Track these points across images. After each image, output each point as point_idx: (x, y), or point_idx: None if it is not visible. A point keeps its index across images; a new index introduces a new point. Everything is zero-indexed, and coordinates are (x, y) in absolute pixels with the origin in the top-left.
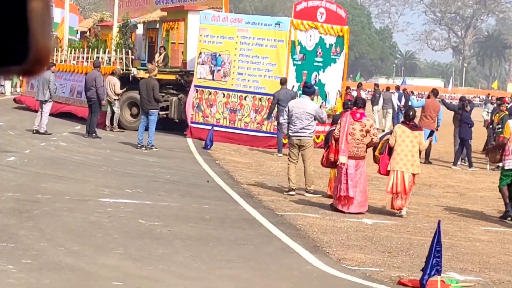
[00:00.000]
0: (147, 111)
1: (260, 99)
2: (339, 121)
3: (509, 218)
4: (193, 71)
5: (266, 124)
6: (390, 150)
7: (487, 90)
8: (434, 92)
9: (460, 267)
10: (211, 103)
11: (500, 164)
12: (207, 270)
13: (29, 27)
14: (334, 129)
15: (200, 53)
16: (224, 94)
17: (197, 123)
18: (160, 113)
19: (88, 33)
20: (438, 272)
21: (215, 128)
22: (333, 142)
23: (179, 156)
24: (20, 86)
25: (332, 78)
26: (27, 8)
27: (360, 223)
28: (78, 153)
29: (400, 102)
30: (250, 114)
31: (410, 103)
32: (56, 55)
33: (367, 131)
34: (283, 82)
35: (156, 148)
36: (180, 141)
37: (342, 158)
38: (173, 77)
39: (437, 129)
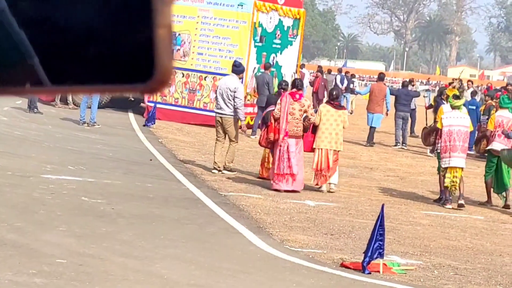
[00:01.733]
0: None
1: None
2: (278, 101)
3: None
4: None
5: None
6: (314, 128)
7: (427, 75)
8: (381, 76)
9: (402, 250)
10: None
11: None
12: (151, 249)
13: (156, 51)
14: (273, 109)
15: None
16: (183, 74)
17: (155, 102)
18: None
19: None
20: (381, 255)
21: (173, 107)
22: (273, 121)
23: (121, 133)
24: None
25: (289, 60)
26: (155, 35)
27: (303, 204)
28: (20, 128)
29: (342, 85)
30: (210, 94)
31: (353, 86)
32: None
33: (305, 111)
34: (268, 67)
35: (98, 125)
36: (123, 118)
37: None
38: None
39: (387, 114)
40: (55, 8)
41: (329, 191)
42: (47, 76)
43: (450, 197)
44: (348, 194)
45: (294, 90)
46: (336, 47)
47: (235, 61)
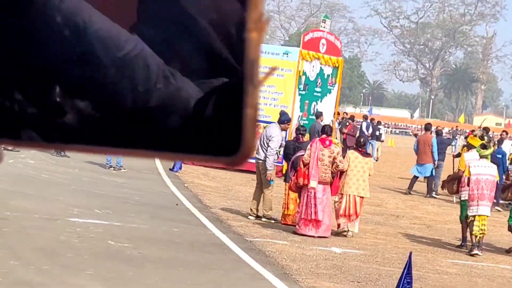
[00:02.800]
0: None
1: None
2: (308, 146)
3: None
4: None
5: None
6: (341, 173)
7: (453, 123)
8: (427, 126)
9: None
10: None
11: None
12: None
13: (243, 128)
14: (303, 155)
15: None
16: None
17: None
18: None
19: None
20: None
21: None
22: (302, 167)
23: (148, 177)
24: None
25: (327, 108)
26: (244, 114)
27: (329, 251)
28: (47, 171)
29: (368, 131)
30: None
31: (378, 133)
32: None
33: (334, 158)
34: (318, 115)
35: (124, 169)
36: (149, 162)
37: (313, 183)
38: None
39: (434, 163)
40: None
41: (344, 235)
42: (137, 139)
43: (477, 244)
44: (374, 241)
45: (324, 136)
46: (362, 94)
47: (281, 111)
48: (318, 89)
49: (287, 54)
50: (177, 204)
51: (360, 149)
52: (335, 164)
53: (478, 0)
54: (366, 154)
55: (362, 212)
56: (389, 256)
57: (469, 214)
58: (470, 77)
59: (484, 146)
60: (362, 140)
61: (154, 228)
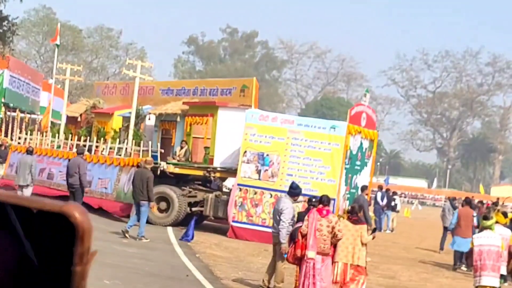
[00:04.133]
0: (138, 202)
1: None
2: (306, 217)
3: None
4: (221, 167)
5: None
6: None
7: (470, 193)
8: (467, 200)
9: None
10: (256, 202)
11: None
12: None
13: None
14: (301, 226)
15: (245, 151)
16: (271, 195)
17: (240, 222)
18: (194, 208)
19: (79, 118)
20: None
21: (259, 228)
22: (300, 238)
23: (159, 247)
24: None
25: (363, 181)
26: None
27: None
28: None
29: (383, 202)
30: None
31: (394, 203)
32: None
33: (333, 228)
34: (363, 189)
35: (146, 239)
36: (160, 232)
37: (311, 253)
38: (200, 172)
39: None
40: None
41: None
42: None
43: None
44: None
45: (321, 206)
46: (378, 163)
47: (292, 183)
48: (358, 163)
49: (334, 128)
50: (187, 275)
51: (350, 217)
52: (334, 233)
53: (495, 71)
54: (356, 222)
55: (374, 285)
56: None
57: (474, 285)
58: (488, 147)
59: (485, 217)
60: (352, 208)
61: None
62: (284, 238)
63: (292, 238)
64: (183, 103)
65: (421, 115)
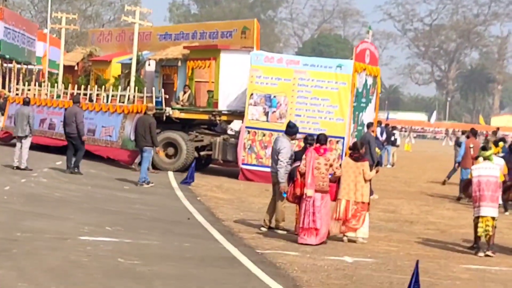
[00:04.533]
0: (141, 147)
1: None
2: (303, 156)
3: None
4: (227, 111)
5: None
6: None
7: (470, 124)
8: (472, 131)
9: None
10: (265, 144)
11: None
12: None
13: None
14: (299, 165)
15: (252, 94)
16: None
17: (250, 164)
18: (202, 153)
19: (76, 67)
20: None
21: (266, 168)
22: (299, 177)
23: (160, 192)
24: None
25: (368, 118)
26: None
27: (341, 261)
28: (59, 189)
29: (382, 137)
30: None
31: (393, 138)
32: (40, 89)
33: (331, 165)
34: (369, 125)
35: (151, 183)
36: (161, 177)
37: (310, 191)
38: (205, 116)
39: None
40: None
41: (350, 241)
42: None
43: (486, 246)
44: (387, 249)
45: (318, 145)
46: (378, 99)
47: (289, 122)
48: (363, 100)
49: (340, 67)
50: (189, 219)
51: (352, 153)
52: (333, 171)
53: (491, 0)
54: (359, 159)
55: (375, 219)
56: (401, 264)
57: (473, 215)
58: (486, 78)
59: (484, 148)
60: (353, 144)
61: (164, 244)
62: (282, 177)
63: (291, 177)
64: (184, 47)
65: (419, 48)
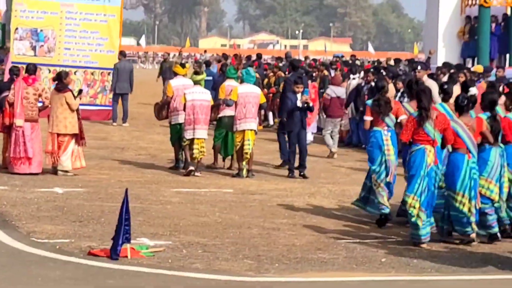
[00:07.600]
0: None
1: (92, 73)
2: (12, 86)
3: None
4: None
5: (100, 97)
6: None
7: (180, 47)
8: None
9: (151, 231)
10: None
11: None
12: None
13: None
14: (7, 95)
15: (17, 28)
16: (50, 70)
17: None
18: None
19: None
20: (128, 240)
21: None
22: (7, 107)
23: None
24: None
25: None
26: None
27: (51, 192)
28: None
29: None
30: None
31: None
32: None
33: (40, 95)
34: (125, 54)
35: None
36: None
37: (19, 121)
38: None
39: None
40: None
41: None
42: None
43: (195, 166)
44: (99, 177)
45: (26, 75)
46: None
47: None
48: None
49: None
50: None
51: (56, 86)
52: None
53: None
54: (61, 90)
55: (86, 148)
56: (113, 191)
57: (186, 137)
58: (193, 0)
59: (196, 73)
60: (58, 75)
61: None
62: None
63: (0, 107)
64: None
65: None
